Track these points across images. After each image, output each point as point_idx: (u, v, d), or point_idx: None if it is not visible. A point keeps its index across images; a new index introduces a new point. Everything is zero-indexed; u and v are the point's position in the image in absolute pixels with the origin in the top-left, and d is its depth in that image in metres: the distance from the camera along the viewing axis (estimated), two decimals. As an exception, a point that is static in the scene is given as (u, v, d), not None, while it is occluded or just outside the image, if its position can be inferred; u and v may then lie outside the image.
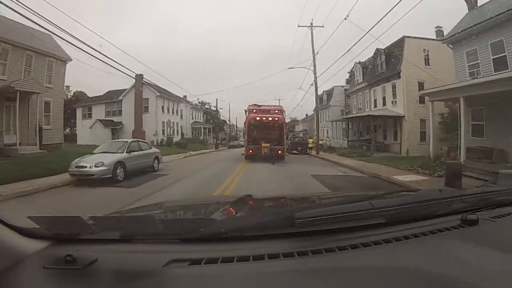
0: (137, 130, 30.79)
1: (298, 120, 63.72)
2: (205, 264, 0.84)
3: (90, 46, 11.65)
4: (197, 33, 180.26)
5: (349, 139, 24.25)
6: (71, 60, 22.01)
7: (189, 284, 0.79)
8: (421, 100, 19.91)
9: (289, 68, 24.56)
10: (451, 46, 15.89)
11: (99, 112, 34.88)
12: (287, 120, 23.83)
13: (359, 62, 26.48)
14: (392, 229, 1.04)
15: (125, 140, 10.80)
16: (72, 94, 42.42)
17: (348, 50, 18.21)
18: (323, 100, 35.75)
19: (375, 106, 22.69)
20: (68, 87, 44.47)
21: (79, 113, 36.46)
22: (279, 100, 49.60)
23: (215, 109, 45.26)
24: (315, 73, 22.88)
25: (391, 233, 1.00)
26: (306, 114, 57.52)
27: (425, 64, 20.28)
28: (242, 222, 1.11)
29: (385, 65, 21.59)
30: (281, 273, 0.81)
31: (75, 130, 37.19)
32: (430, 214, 1.16)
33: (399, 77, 19.69)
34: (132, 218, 1.38)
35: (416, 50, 20.12)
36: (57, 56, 20.79)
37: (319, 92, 25.65)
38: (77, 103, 38.48)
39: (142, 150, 10.95)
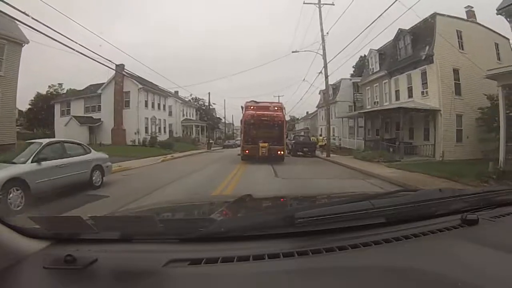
0: (117, 127, 26.93)
1: (298, 119, 60.10)
2: (205, 264, 0.83)
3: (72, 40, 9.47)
4: (194, 31, 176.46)
5: (366, 139, 20.19)
6: (28, 42, 18.13)
7: (189, 284, 0.79)
8: (457, 91, 16.31)
9: (293, 51, 20.57)
10: (509, 19, 12.32)
11: (78, 108, 31.27)
12: (287, 118, 20.36)
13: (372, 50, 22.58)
14: (392, 229, 1.02)
15: (39, 141, 6.68)
16: (65, 92, 39.41)
17: (374, 20, 13.47)
18: (328, 95, 31.78)
19: (397, 99, 18.78)
20: (61, 84, 41.77)
21: (57, 109, 32.75)
22: (279, 97, 45.67)
23: (209, 105, 41.40)
24: (324, 57, 18.86)
25: (391, 233, 0.99)
26: (307, 112, 53.95)
27: (459, 48, 16.58)
28: (242, 222, 1.09)
29: (411, 48, 17.65)
30: (281, 273, 0.80)
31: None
32: (430, 214, 1.15)
33: (431, 62, 15.81)
34: (132, 218, 1.34)
35: (449, 31, 16.35)
36: (7, 37, 16.85)
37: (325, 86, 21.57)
38: (54, 99, 34.96)
39: (70, 157, 6.83)
